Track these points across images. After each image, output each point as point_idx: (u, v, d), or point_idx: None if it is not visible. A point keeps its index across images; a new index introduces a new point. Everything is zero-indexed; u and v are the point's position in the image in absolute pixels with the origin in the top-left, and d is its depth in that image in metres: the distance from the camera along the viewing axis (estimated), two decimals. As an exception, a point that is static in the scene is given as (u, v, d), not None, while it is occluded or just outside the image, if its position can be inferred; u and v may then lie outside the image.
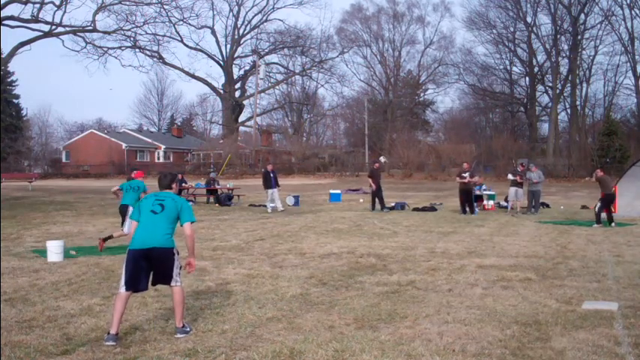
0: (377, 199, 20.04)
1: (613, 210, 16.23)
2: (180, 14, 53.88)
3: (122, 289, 5.38)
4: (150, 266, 5.46)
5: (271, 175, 19.97)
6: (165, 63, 64.11)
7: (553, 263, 9.45)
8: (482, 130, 69.84)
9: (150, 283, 5.55)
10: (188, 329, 5.52)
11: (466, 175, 19.10)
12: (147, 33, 50.48)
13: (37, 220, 16.56)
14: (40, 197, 27.16)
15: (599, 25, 56.32)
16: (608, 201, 15.83)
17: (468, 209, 18.90)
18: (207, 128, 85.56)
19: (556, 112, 58.44)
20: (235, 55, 70.51)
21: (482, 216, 18.37)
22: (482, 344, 5.20)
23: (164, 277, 5.51)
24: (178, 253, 5.60)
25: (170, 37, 58.88)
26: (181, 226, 5.60)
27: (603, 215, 15.70)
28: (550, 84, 59.73)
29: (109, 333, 5.25)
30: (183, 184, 24.60)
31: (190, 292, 7.19)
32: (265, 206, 20.82)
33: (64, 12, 46.44)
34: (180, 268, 5.61)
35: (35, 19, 40.35)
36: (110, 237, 11.00)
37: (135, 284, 5.40)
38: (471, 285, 7.73)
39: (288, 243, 11.91)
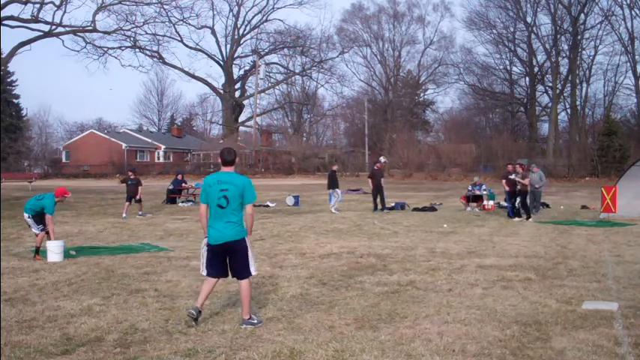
0: (378, 199, 20.00)
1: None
2: (180, 14, 54.05)
3: (204, 273, 5.94)
4: (225, 257, 5.85)
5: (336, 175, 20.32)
6: (165, 63, 64.26)
7: (553, 263, 9.44)
8: (482, 130, 69.81)
9: (230, 273, 5.92)
10: (255, 321, 5.79)
11: (513, 176, 17.01)
12: (147, 33, 50.64)
13: (37, 220, 16.53)
14: (40, 197, 27.11)
15: (599, 25, 56.55)
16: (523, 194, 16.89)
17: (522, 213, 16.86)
18: (207, 128, 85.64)
19: (556, 112, 58.50)
20: (235, 55, 70.57)
21: (482, 216, 18.36)
22: (482, 344, 5.19)
23: (241, 270, 5.85)
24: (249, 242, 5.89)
25: (170, 37, 59.00)
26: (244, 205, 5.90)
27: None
28: (550, 84, 59.77)
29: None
30: (183, 184, 24.65)
31: (190, 293, 7.19)
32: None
33: (64, 12, 46.51)
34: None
35: (35, 19, 40.36)
36: (37, 248, 9.79)
37: (213, 272, 5.88)
38: (471, 285, 7.73)
39: (288, 243, 11.91)
